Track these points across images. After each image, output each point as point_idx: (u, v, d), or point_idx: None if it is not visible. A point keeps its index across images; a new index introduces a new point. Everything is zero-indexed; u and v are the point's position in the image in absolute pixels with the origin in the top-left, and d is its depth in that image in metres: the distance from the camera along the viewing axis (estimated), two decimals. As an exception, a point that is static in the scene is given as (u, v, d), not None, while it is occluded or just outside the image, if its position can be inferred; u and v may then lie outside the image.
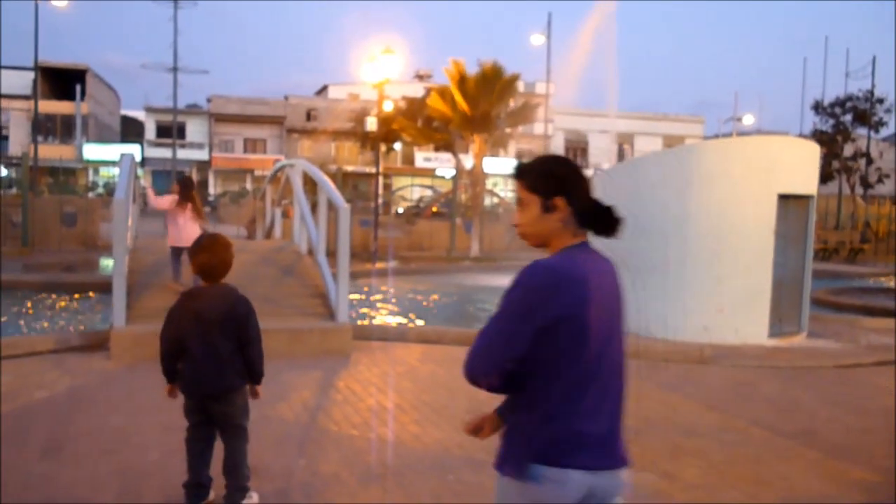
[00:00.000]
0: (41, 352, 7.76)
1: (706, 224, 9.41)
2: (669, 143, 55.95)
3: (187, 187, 9.58)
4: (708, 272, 9.42)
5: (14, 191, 31.77)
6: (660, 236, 9.71)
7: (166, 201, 9.41)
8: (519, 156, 57.33)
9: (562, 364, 2.11)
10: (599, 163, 51.56)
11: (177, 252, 9.16)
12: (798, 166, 9.78)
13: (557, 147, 59.40)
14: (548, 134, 56.38)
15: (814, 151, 10.19)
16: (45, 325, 11.44)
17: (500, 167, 49.57)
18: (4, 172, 45.38)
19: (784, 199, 9.48)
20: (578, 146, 61.20)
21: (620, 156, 58.15)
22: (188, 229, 9.07)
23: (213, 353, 3.78)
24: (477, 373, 2.16)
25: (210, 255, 3.84)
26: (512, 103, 27.92)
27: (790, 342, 9.55)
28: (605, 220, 2.21)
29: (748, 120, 56.42)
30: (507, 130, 30.47)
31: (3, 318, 11.60)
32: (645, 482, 4.54)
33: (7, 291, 13.85)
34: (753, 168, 9.43)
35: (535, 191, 2.23)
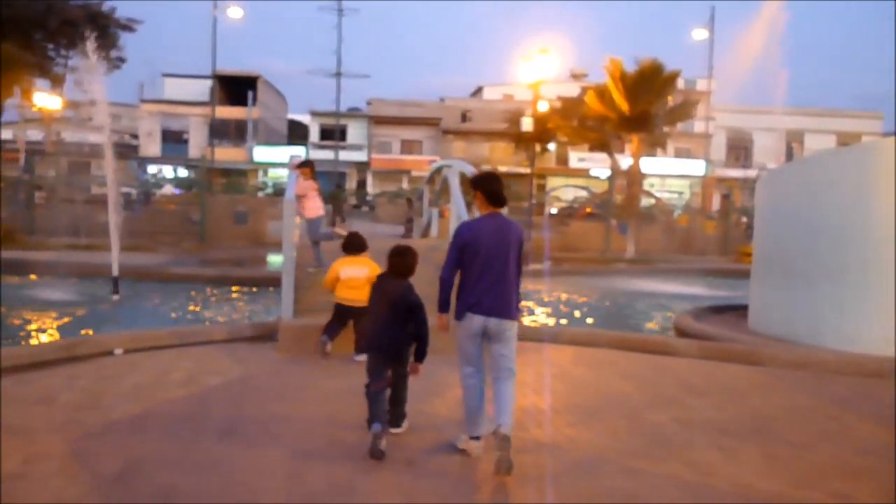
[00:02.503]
0: (216, 341, 8.35)
1: (891, 228, 8.73)
2: (844, 140, 52.31)
3: (315, 169, 10.98)
4: (893, 279, 8.73)
5: (193, 191, 34.20)
6: (835, 240, 9.12)
7: (308, 186, 10.47)
8: (678, 155, 55.48)
9: (470, 267, 4.72)
10: (764, 163, 48.92)
11: (320, 221, 10.68)
12: None
13: (719, 146, 56.94)
14: (709, 133, 54.20)
15: None
16: (220, 316, 12.28)
17: (657, 167, 48.14)
18: (185, 174, 49.00)
19: (980, 200, 8.63)
20: (741, 145, 58.30)
21: (789, 155, 54.85)
22: (319, 201, 10.72)
23: (395, 323, 5.04)
24: (444, 275, 4.81)
25: (404, 259, 5.25)
26: (671, 101, 27.08)
27: (984, 358, 8.69)
28: (499, 200, 4.84)
29: (936, 114, 51.79)
30: (666, 129, 29.58)
31: (194, 311, 12.54)
32: (812, 499, 4.29)
33: (187, 284, 14.99)
34: (946, 166, 8.65)
35: (472, 187, 4.96)
